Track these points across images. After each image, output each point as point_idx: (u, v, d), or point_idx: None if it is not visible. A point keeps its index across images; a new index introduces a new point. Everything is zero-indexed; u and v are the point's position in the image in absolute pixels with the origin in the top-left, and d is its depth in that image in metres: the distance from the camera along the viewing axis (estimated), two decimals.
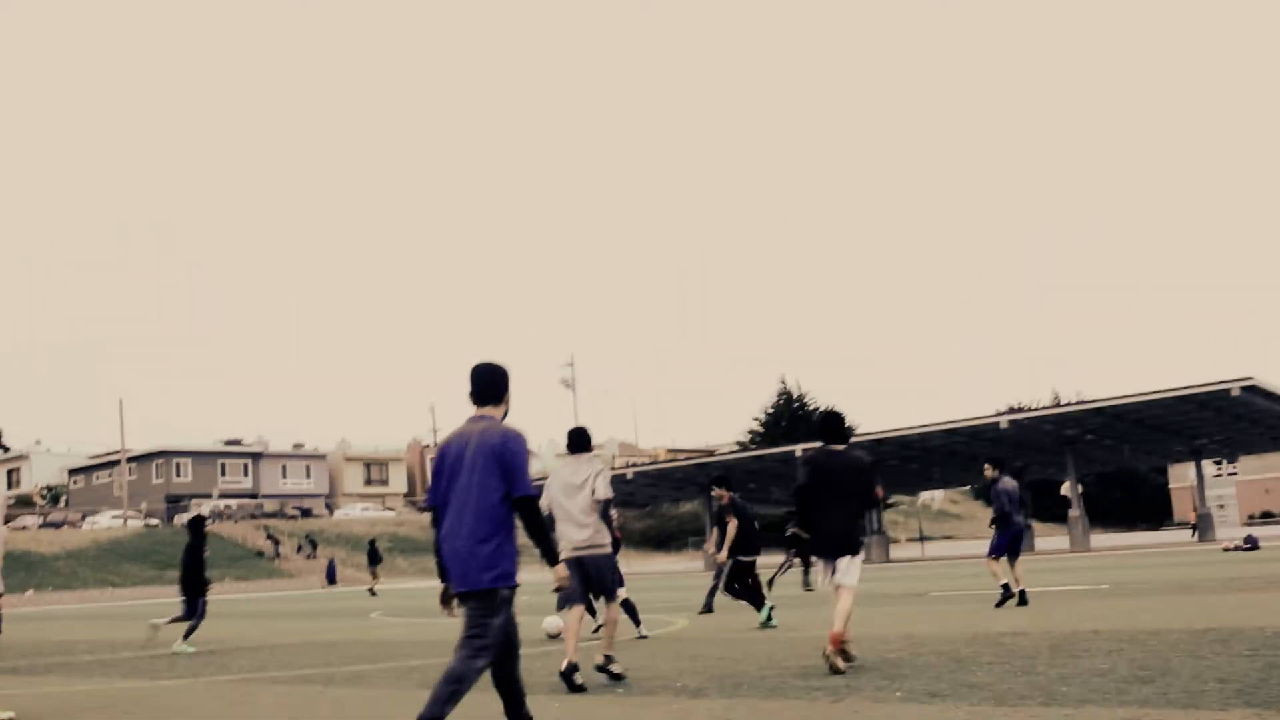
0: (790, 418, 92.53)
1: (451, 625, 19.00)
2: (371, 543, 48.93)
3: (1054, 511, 72.23)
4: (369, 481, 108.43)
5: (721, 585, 16.24)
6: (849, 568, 9.54)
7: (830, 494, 9.65)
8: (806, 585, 23.86)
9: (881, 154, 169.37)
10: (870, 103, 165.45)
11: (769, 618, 14.98)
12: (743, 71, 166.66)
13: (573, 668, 9.19)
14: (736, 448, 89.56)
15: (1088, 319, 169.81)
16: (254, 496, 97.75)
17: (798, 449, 52.13)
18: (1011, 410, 71.53)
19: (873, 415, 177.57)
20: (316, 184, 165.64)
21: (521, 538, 6.00)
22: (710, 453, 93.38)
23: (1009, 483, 16.82)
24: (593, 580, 9.87)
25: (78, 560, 69.74)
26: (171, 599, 51.02)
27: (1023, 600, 15.92)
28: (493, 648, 5.96)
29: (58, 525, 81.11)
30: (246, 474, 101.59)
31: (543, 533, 6.20)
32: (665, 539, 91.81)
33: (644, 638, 14.11)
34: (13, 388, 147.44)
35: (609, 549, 10.06)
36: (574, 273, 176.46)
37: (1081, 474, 54.48)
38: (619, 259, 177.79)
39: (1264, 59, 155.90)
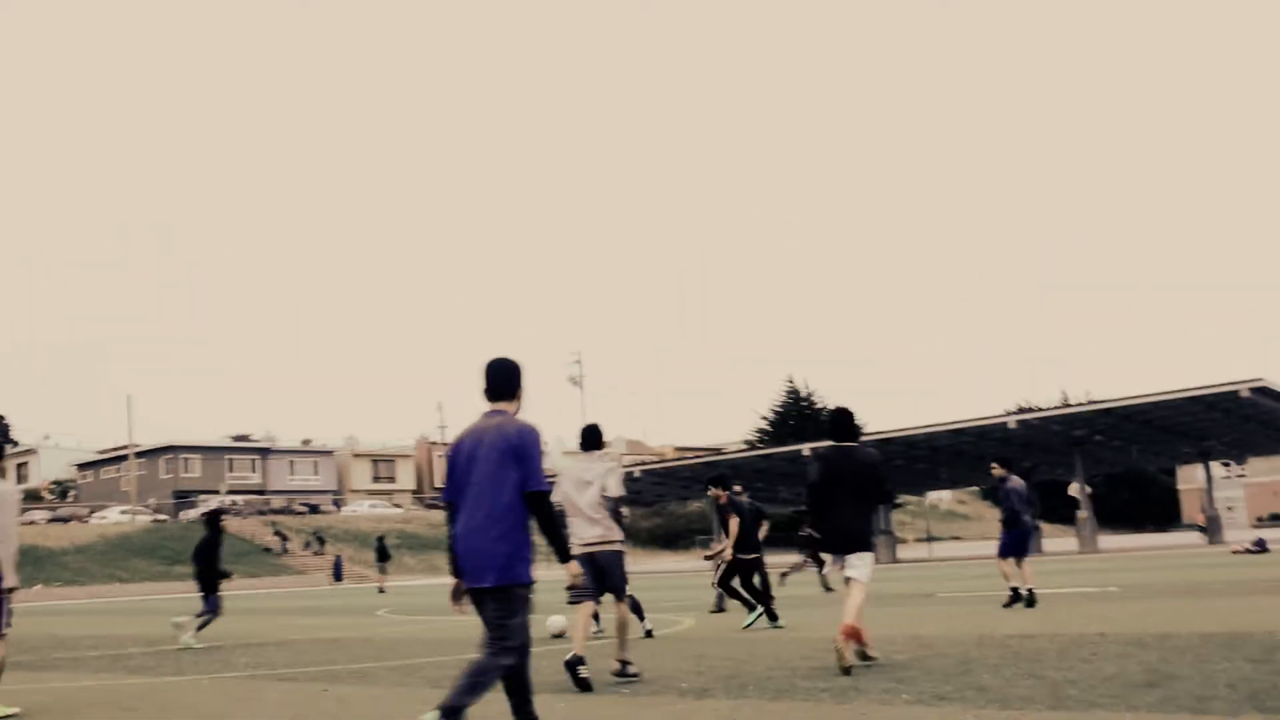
0: (798, 416, 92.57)
1: (458, 624, 18.98)
2: (380, 540, 48.68)
3: (1062, 512, 72.03)
4: (377, 478, 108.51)
5: (715, 580, 16.22)
6: (859, 562, 9.57)
7: (842, 491, 9.69)
8: (827, 586, 23.80)
9: (887, 153, 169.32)
10: (878, 103, 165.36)
11: (753, 622, 15.06)
12: (754, 72, 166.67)
13: (578, 659, 9.15)
14: (744, 446, 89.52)
15: (1094, 319, 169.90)
16: (261, 492, 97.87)
17: (805, 448, 52.13)
18: (1020, 410, 71.51)
19: (879, 414, 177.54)
20: (329, 183, 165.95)
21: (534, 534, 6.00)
22: (718, 451, 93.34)
23: (1017, 482, 16.80)
24: (604, 577, 9.83)
25: (86, 555, 69.86)
26: (178, 594, 51.05)
27: (1031, 601, 15.88)
28: (519, 649, 5.97)
29: (66, 520, 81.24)
30: (254, 470, 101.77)
31: (556, 528, 6.19)
32: (672, 538, 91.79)
33: (649, 632, 14.09)
34: (21, 385, 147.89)
35: (620, 547, 10.03)
36: (582, 271, 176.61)
37: (1090, 475, 54.38)
38: (627, 257, 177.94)
39: (1269, 57, 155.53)
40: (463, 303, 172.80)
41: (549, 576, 20.39)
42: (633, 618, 10.44)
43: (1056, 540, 66.40)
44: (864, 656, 9.72)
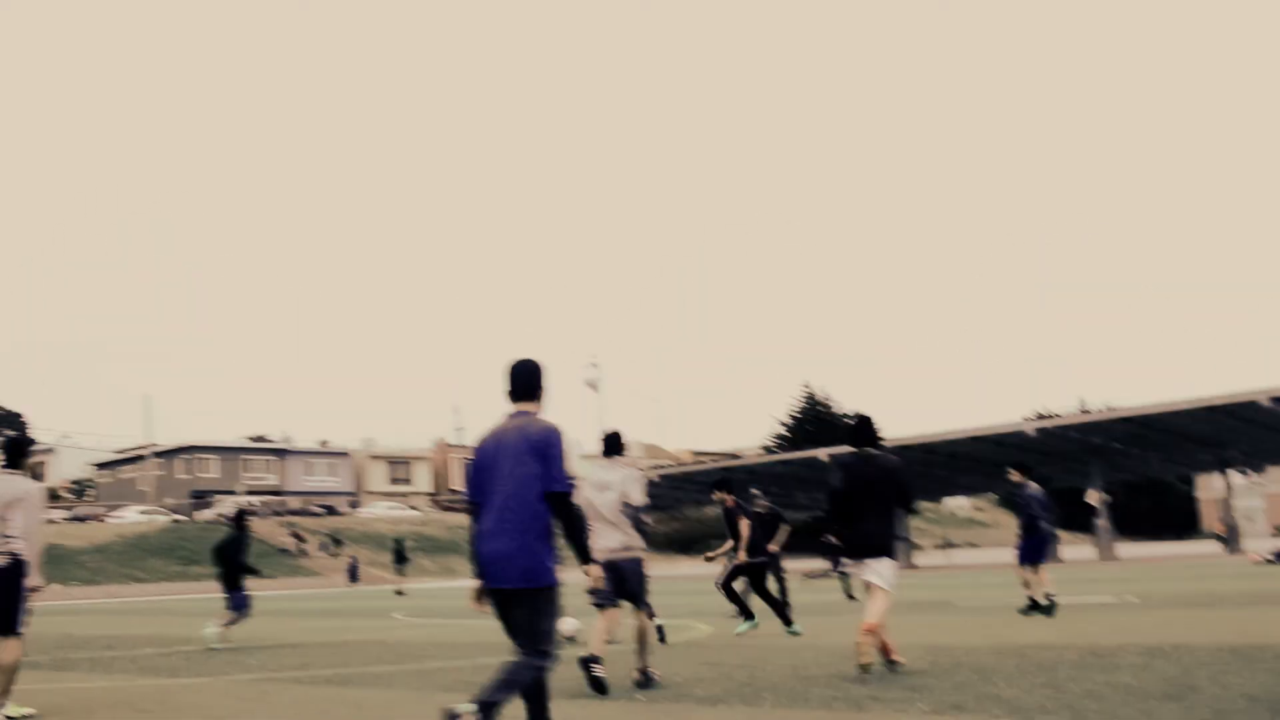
0: (815, 422, 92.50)
1: (473, 626, 18.95)
2: (399, 543, 48.61)
3: (1080, 520, 71.75)
4: (393, 480, 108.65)
5: (719, 582, 16.14)
6: (881, 566, 9.57)
7: (865, 498, 9.69)
8: (849, 594, 23.74)
9: (905, 159, 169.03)
10: (903, 112, 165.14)
11: (745, 631, 15.07)
12: (775, 80, 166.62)
13: (594, 657, 9.08)
14: (762, 451, 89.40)
15: (1112, 322, 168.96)
16: (278, 493, 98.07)
17: (823, 453, 52.07)
18: (1038, 417, 71.32)
19: (897, 420, 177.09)
20: (351, 188, 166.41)
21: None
22: (736, 456, 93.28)
23: (1035, 488, 16.72)
24: (625, 584, 9.75)
25: (104, 555, 70.06)
26: (195, 594, 51.19)
27: (1050, 609, 15.79)
28: (548, 653, 5.97)
29: (84, 519, 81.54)
30: (271, 471, 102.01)
31: (579, 530, 6.17)
32: (690, 542, 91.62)
33: (660, 630, 13.98)
34: (38, 384, 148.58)
35: (642, 554, 9.95)
36: (599, 273, 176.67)
37: (1108, 482, 54.23)
38: (644, 260, 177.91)
39: None
40: (480, 306, 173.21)
41: (569, 579, 20.43)
42: (651, 624, 10.35)
43: (1074, 548, 66.14)
44: (890, 663, 9.67)
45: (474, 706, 5.64)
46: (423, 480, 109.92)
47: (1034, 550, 16.42)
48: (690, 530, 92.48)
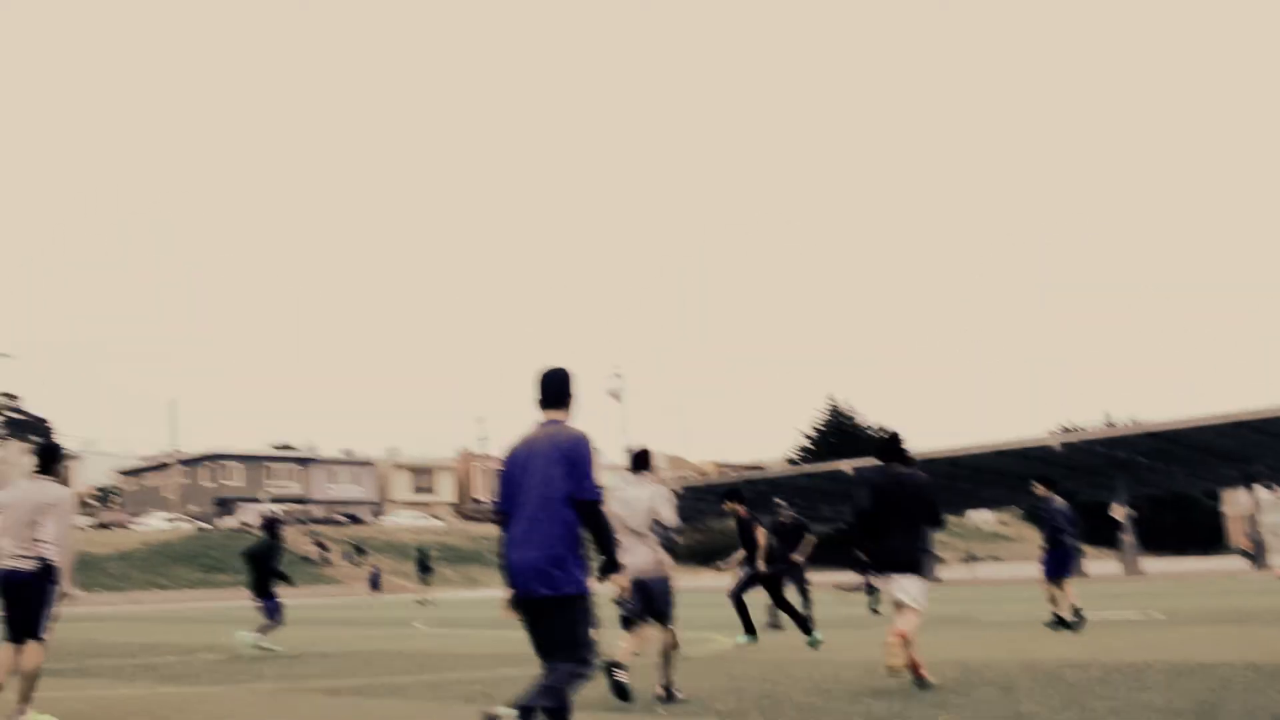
0: (839, 435, 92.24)
1: (494, 637, 18.91)
2: (423, 552, 48.55)
3: (1105, 535, 71.26)
4: (417, 489, 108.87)
5: (730, 591, 16.07)
6: (908, 584, 9.52)
7: (893, 515, 9.67)
8: (874, 609, 23.64)
9: (931, 173, 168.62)
10: (926, 127, 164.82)
11: (742, 641, 15.08)
12: (810, 101, 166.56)
13: (618, 664, 8.97)
14: (786, 464, 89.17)
15: (1136, 335, 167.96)
16: (302, 501, 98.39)
17: (847, 466, 51.90)
18: (1063, 431, 70.97)
19: (921, 433, 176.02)
20: (376, 197, 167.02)
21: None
22: (759, 468, 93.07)
23: (1060, 502, 16.63)
24: (652, 602, 9.65)
25: (128, 562, 70.34)
26: (218, 601, 51.31)
27: (1076, 625, 15.67)
28: (589, 661, 5.95)
29: (108, 526, 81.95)
30: (295, 479, 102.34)
31: (607, 538, 6.14)
32: (712, 555, 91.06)
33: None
34: (63, 390, 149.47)
35: (670, 573, 9.84)
36: (624, 284, 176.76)
37: (1133, 497, 53.92)
38: (670, 271, 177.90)
39: None
40: (506, 316, 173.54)
41: (597, 590, 20.40)
42: (677, 640, 10.30)
43: (1099, 563, 65.71)
44: (919, 681, 9.54)
45: (515, 711, 5.62)
46: (446, 490, 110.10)
47: (1059, 565, 16.31)
48: (713, 542, 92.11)
